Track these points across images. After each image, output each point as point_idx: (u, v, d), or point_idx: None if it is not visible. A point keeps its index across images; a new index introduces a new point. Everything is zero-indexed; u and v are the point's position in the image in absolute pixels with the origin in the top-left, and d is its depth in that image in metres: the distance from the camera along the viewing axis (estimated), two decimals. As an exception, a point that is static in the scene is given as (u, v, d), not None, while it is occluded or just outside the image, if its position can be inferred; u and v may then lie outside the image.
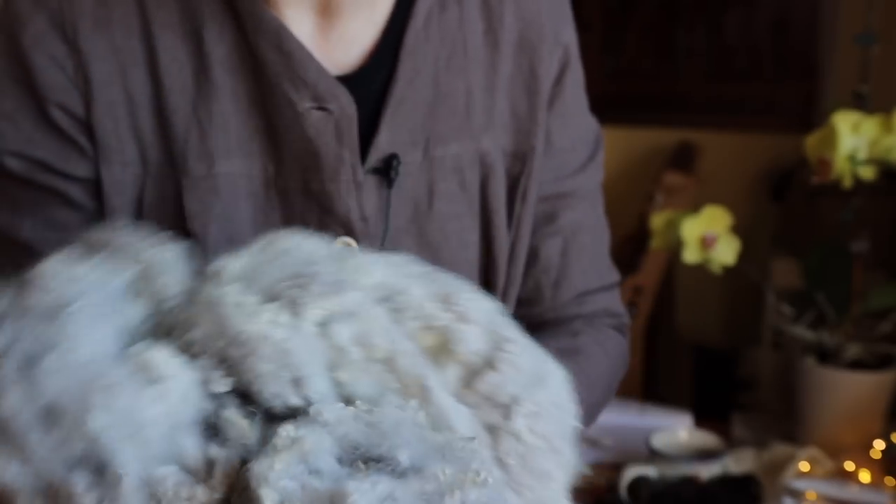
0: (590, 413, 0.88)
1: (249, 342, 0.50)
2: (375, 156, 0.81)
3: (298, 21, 0.80)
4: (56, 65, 0.78)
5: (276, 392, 0.51)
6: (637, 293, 2.43)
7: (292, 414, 0.52)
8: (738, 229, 1.54)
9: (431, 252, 0.83)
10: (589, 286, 0.94)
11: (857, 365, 1.52)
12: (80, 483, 0.48)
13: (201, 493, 0.48)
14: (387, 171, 0.81)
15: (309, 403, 0.51)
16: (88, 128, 0.79)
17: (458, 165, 0.85)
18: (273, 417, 0.52)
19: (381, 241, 0.81)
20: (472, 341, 0.56)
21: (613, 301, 0.97)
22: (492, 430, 0.57)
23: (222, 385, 0.52)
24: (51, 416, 0.49)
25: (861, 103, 1.49)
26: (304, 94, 0.78)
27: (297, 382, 0.51)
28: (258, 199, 0.79)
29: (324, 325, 0.53)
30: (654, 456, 1.41)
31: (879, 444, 1.52)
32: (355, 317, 0.53)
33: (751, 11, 3.46)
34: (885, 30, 1.62)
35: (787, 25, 3.44)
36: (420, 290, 0.56)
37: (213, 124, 0.79)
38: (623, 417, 1.65)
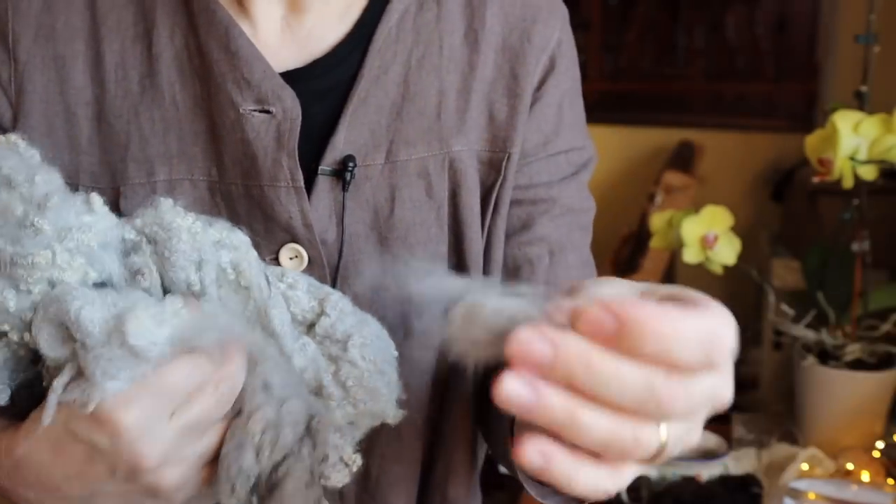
0: None
1: (175, 230, 0.68)
2: (331, 157, 0.77)
3: (265, 15, 0.78)
4: None
5: (183, 266, 0.67)
6: (637, 293, 2.42)
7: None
8: (738, 229, 1.54)
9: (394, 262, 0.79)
10: None
11: (857, 365, 1.51)
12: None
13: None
14: (343, 172, 0.77)
15: (199, 286, 0.67)
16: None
17: (423, 170, 0.80)
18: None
19: (338, 247, 0.78)
20: (304, 300, 0.72)
21: None
22: (333, 359, 0.71)
23: (132, 234, 0.68)
24: (3, 181, 0.65)
25: (861, 103, 1.49)
26: (248, 95, 0.75)
27: (198, 265, 0.68)
28: (204, 203, 0.77)
29: (217, 243, 0.69)
30: (654, 456, 1.41)
31: (880, 445, 1.52)
32: (237, 249, 0.69)
33: (751, 11, 3.46)
34: (885, 30, 1.62)
35: (787, 25, 3.44)
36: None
37: (155, 130, 0.77)
38: (623, 417, 1.65)
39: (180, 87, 0.77)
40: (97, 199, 0.68)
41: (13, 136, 0.69)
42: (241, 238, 0.70)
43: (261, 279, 0.70)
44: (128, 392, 0.61)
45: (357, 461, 0.70)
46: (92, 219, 0.67)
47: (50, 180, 0.67)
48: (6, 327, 0.65)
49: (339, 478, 0.69)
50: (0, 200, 0.65)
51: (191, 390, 0.63)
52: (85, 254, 0.65)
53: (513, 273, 0.84)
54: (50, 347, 0.64)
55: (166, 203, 0.68)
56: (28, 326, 0.65)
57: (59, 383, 0.63)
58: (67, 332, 0.63)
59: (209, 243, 0.69)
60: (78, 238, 0.65)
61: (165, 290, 0.69)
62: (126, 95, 0.77)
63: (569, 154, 0.87)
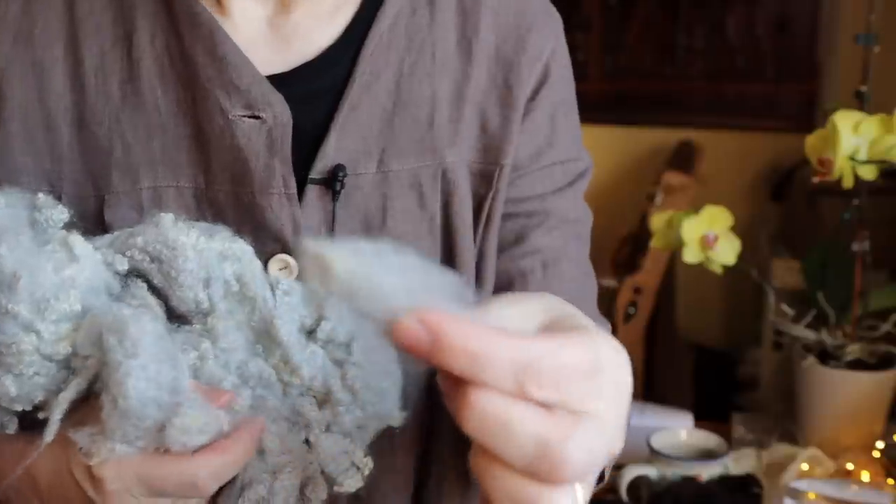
0: None
1: (181, 248, 0.66)
2: (322, 165, 0.75)
3: (245, 14, 0.76)
4: None
5: (191, 285, 0.66)
6: (637, 293, 2.43)
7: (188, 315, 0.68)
8: (738, 229, 1.54)
9: None
10: None
11: (857, 365, 1.51)
12: None
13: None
14: (333, 182, 0.75)
15: (207, 303, 0.67)
16: None
17: (416, 181, 0.78)
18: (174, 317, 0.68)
19: None
20: (300, 307, 0.70)
21: None
22: (338, 363, 0.70)
23: (124, 265, 0.66)
24: None
25: (861, 103, 1.49)
26: (237, 100, 0.73)
27: (206, 283, 0.66)
28: (190, 211, 0.75)
29: (220, 255, 0.68)
30: (654, 456, 1.41)
31: (880, 444, 1.52)
32: (239, 260, 0.68)
33: (751, 11, 3.46)
34: (885, 30, 1.62)
35: (787, 25, 3.44)
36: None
37: (138, 136, 0.74)
38: (623, 417, 1.65)
39: (162, 93, 0.75)
40: (77, 241, 0.65)
41: None
42: (243, 248, 0.69)
43: (265, 290, 0.69)
44: (129, 461, 0.61)
45: (368, 465, 0.69)
46: (74, 270, 0.63)
47: (18, 244, 0.63)
48: (17, 406, 0.63)
49: (352, 483, 0.69)
50: None
51: (183, 493, 0.63)
52: (71, 318, 0.62)
53: (506, 287, 0.82)
54: (82, 346, 0.62)
55: (167, 219, 0.67)
56: (38, 403, 0.63)
57: (63, 398, 0.62)
58: (99, 341, 0.60)
59: (214, 258, 0.67)
60: (59, 308, 0.62)
61: (170, 310, 0.67)
62: (107, 101, 0.75)
63: (564, 165, 0.85)
